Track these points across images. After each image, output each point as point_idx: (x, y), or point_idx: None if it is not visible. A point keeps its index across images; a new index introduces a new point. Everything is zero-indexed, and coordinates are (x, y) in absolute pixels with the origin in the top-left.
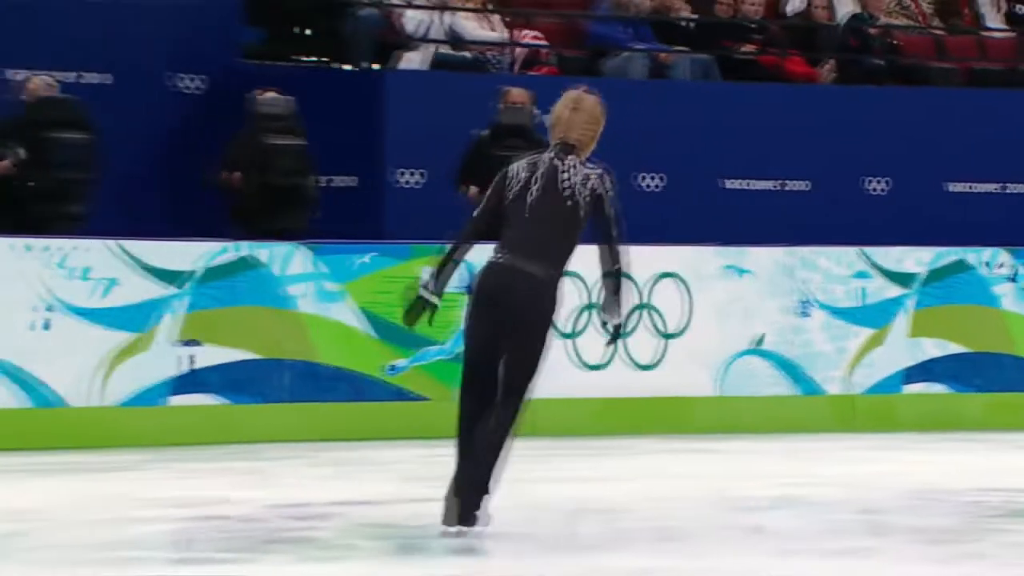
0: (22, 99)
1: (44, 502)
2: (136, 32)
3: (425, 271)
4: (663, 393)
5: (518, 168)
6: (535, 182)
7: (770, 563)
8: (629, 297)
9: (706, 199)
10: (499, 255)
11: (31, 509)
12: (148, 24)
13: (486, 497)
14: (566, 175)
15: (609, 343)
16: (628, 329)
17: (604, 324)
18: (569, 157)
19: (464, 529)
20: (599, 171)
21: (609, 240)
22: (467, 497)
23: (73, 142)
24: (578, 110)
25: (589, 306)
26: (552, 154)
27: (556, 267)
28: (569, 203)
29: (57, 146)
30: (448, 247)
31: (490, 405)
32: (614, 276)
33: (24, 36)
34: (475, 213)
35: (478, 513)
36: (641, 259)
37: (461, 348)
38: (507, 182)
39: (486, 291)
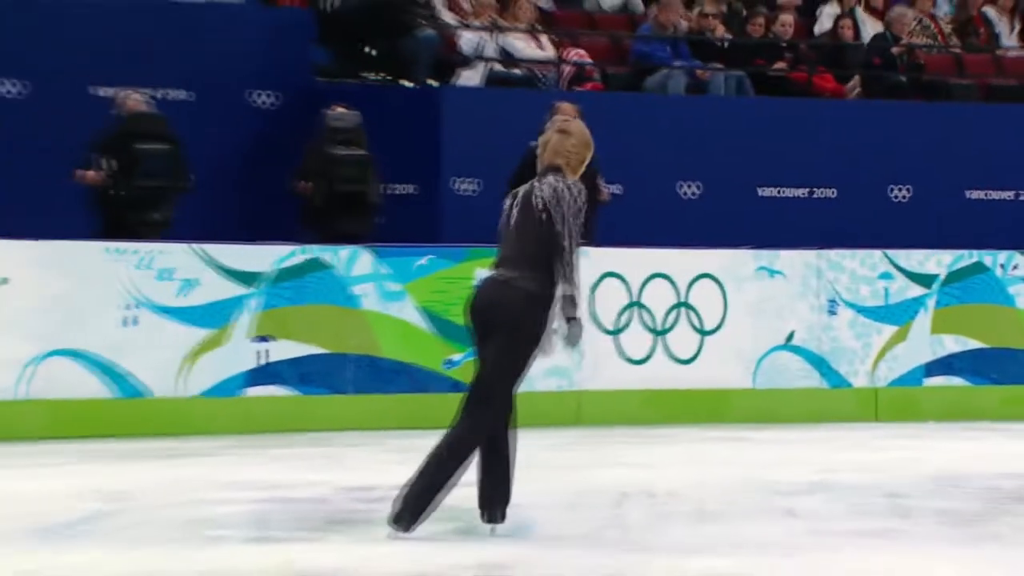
0: (114, 113)
1: (132, 484)
2: (217, 53)
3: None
4: (701, 386)
5: (507, 200)
6: (516, 206)
7: (803, 543)
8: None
9: (741, 206)
10: (490, 271)
11: (120, 491)
12: (228, 46)
13: (424, 506)
14: (540, 191)
15: (567, 342)
16: (667, 326)
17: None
18: (548, 177)
19: (397, 531)
20: (571, 182)
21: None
22: (404, 499)
23: (158, 153)
24: (566, 134)
25: (631, 304)
26: (535, 180)
27: (543, 281)
28: (544, 216)
29: (144, 157)
30: None
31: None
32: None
33: (114, 56)
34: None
35: (413, 518)
36: (680, 261)
37: None
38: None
39: (473, 305)
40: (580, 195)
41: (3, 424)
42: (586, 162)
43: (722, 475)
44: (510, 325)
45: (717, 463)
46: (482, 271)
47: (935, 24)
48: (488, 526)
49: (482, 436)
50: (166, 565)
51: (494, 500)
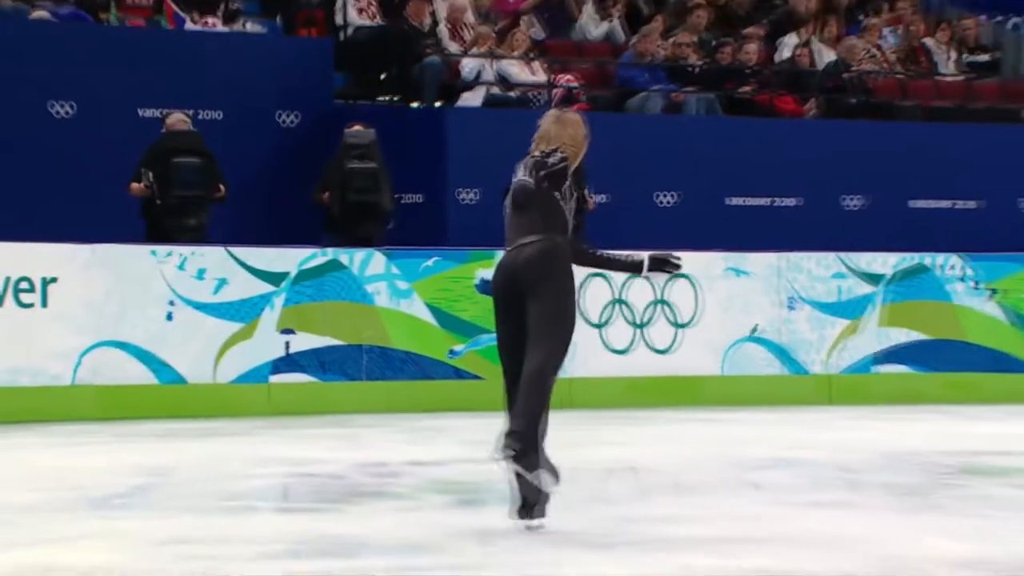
0: (162, 131)
1: (170, 461)
2: (246, 78)
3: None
4: (677, 373)
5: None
6: (510, 191)
7: (767, 512)
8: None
9: (712, 213)
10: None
11: (160, 466)
12: (256, 71)
13: (528, 448)
14: (525, 168)
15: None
16: (646, 320)
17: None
18: (535, 157)
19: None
20: (552, 149)
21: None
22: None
23: (193, 166)
24: (563, 124)
25: (614, 301)
26: None
27: (552, 236)
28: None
29: (180, 170)
30: None
31: None
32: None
33: (155, 80)
34: None
35: (517, 450)
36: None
37: None
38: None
39: (497, 284)
40: (559, 161)
41: (58, 407)
42: (580, 155)
43: (696, 452)
44: (542, 275)
45: (691, 442)
46: (483, 271)
47: (882, 53)
48: (525, 522)
49: (556, 368)
50: (200, 532)
51: (531, 500)
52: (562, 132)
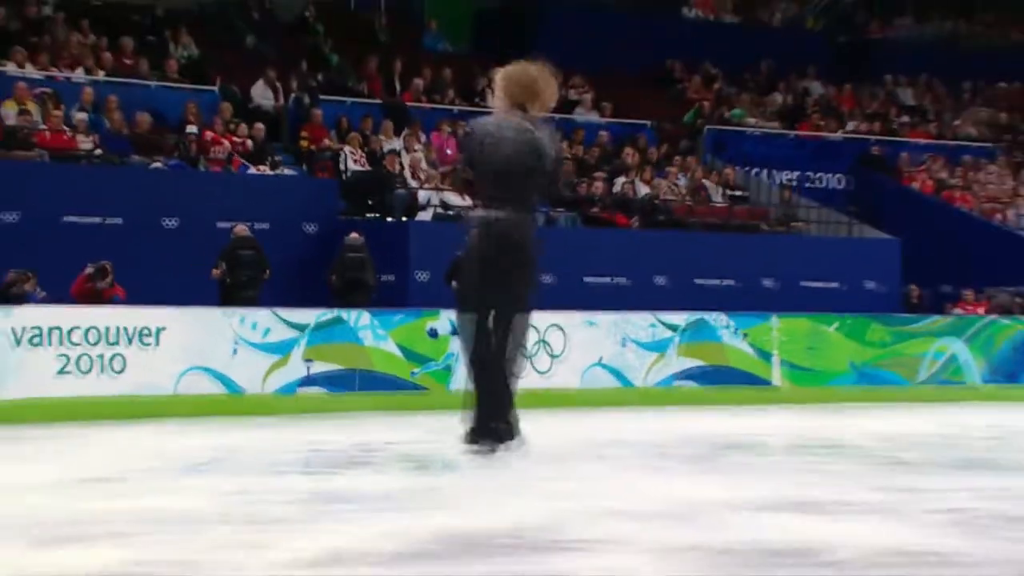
0: (231, 236)
1: (232, 444)
2: (283, 201)
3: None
4: (552, 387)
5: (485, 129)
6: (519, 144)
7: (610, 473)
8: None
9: (574, 287)
10: (498, 212)
11: (225, 447)
12: (289, 198)
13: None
14: (544, 142)
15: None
16: (532, 353)
17: None
18: (543, 128)
19: (494, 446)
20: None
21: None
22: (489, 420)
23: (250, 258)
24: (551, 87)
25: None
26: (525, 121)
27: (534, 217)
28: (549, 168)
29: (242, 260)
30: None
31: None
32: None
33: (227, 204)
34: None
35: (503, 427)
36: (541, 318)
37: (451, 362)
38: None
39: (494, 249)
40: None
41: (164, 409)
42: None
43: (562, 437)
44: (529, 263)
45: (560, 432)
46: (430, 324)
47: (677, 188)
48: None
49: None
50: (254, 487)
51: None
52: (545, 99)
